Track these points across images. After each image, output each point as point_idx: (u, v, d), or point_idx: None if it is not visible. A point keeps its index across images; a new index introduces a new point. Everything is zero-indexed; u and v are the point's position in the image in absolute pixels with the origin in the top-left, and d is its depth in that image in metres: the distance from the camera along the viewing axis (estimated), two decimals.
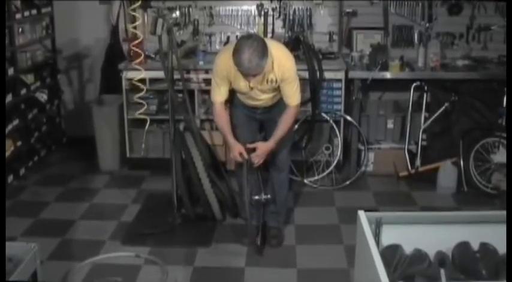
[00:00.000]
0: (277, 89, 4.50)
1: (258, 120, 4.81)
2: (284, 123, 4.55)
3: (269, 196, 4.79)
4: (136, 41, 5.64)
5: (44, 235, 4.99)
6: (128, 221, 5.32)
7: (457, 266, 2.85)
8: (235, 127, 4.75)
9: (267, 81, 4.37)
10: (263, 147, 4.58)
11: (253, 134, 4.82)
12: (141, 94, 5.60)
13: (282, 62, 4.34)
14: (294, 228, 5.20)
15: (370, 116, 6.38)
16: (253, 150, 4.62)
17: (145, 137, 6.00)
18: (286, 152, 4.88)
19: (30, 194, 5.89)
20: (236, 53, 4.06)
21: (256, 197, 4.76)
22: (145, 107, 5.76)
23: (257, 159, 4.59)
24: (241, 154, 4.59)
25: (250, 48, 4.02)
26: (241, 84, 4.42)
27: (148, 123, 5.65)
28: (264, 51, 4.07)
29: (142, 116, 5.67)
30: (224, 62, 4.37)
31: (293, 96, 4.48)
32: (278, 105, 4.61)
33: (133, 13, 5.62)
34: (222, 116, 4.63)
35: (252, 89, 4.41)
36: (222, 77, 4.45)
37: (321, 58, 6.09)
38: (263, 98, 4.58)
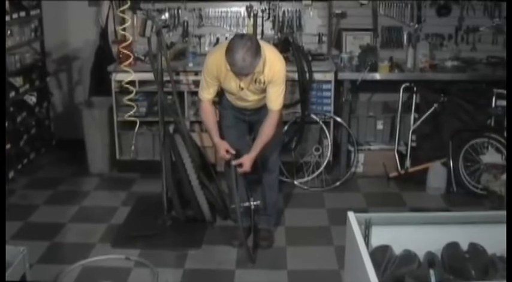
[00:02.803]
0: (266, 90, 4.51)
1: (247, 122, 4.81)
2: (266, 130, 4.53)
3: (258, 202, 4.77)
4: (125, 43, 5.63)
5: (33, 238, 4.97)
6: (117, 224, 5.30)
7: (447, 267, 2.87)
8: (224, 128, 4.77)
9: (256, 81, 4.37)
10: (247, 160, 4.56)
11: (242, 135, 4.84)
12: (131, 96, 5.59)
13: (273, 64, 4.34)
14: (284, 229, 5.20)
15: (360, 117, 6.40)
16: (238, 156, 4.62)
17: (135, 139, 5.99)
18: (276, 154, 4.90)
19: (19, 197, 5.86)
20: (229, 52, 4.06)
21: (246, 204, 4.75)
22: (135, 109, 5.74)
23: (244, 169, 4.58)
24: (227, 151, 4.58)
25: (244, 47, 4.02)
26: (232, 84, 4.42)
27: (138, 125, 5.63)
28: (257, 50, 4.09)
29: (131, 118, 5.66)
30: (215, 61, 4.37)
31: (276, 100, 4.47)
32: (266, 107, 4.62)
33: (122, 15, 5.61)
34: (208, 113, 4.64)
35: (242, 89, 4.41)
36: (212, 76, 4.45)
37: (311, 59, 6.09)
38: (252, 100, 4.58)
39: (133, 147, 6.01)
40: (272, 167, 4.91)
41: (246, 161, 4.55)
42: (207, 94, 4.58)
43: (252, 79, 4.33)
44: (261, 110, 4.65)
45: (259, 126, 4.69)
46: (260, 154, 4.66)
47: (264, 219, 5.04)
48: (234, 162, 4.58)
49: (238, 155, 4.62)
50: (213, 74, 4.44)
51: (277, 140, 4.84)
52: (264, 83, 4.38)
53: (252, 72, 4.18)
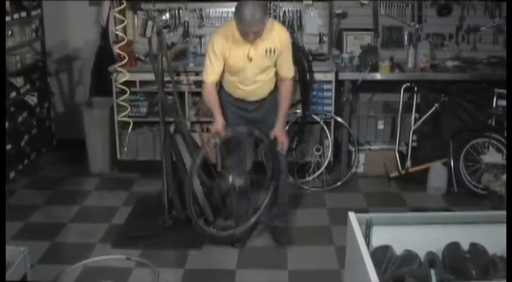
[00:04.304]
0: (272, 67, 4.59)
1: (249, 121, 4.80)
2: (285, 99, 4.72)
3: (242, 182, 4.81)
4: (121, 44, 5.61)
5: (34, 238, 4.97)
6: (118, 224, 5.31)
7: (447, 267, 2.86)
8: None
9: (266, 52, 4.42)
10: (278, 132, 4.69)
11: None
12: (124, 97, 5.58)
13: (279, 32, 4.50)
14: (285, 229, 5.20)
15: (361, 117, 6.40)
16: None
17: (136, 139, 6.02)
18: (285, 154, 4.91)
19: (20, 197, 5.87)
20: (239, 9, 4.21)
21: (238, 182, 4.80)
22: (129, 109, 5.73)
23: (282, 144, 4.71)
24: (218, 132, 4.56)
25: (252, 3, 4.15)
26: (240, 56, 4.44)
27: (131, 126, 5.63)
28: (265, 8, 4.25)
29: (125, 119, 5.65)
30: (223, 32, 4.50)
31: (290, 67, 4.71)
32: (269, 101, 4.69)
33: (119, 16, 5.61)
34: (212, 95, 4.67)
35: (250, 60, 4.43)
36: (218, 52, 4.47)
37: (311, 59, 6.09)
38: (258, 80, 4.60)
39: (126, 149, 6.01)
40: (280, 166, 4.89)
41: (278, 133, 4.69)
42: (211, 75, 4.58)
43: (263, 47, 4.40)
44: (264, 104, 4.70)
45: (262, 126, 4.72)
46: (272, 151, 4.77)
47: (280, 218, 5.05)
48: (271, 135, 4.69)
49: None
50: (218, 48, 4.47)
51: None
52: (275, 52, 4.46)
53: (260, 32, 4.26)
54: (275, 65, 4.65)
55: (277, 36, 4.46)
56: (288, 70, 4.69)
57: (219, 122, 4.58)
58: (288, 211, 5.16)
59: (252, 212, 4.93)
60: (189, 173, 4.67)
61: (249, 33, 4.25)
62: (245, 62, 4.47)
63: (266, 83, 4.68)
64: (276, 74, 4.73)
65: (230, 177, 4.78)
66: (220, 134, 4.58)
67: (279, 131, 4.70)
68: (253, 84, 4.64)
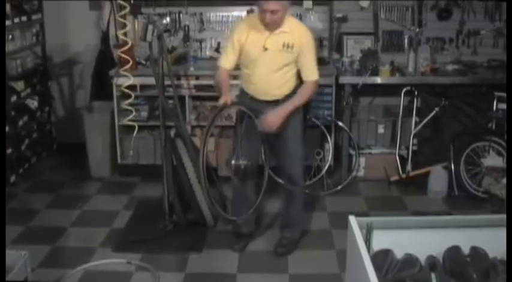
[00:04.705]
0: (291, 67, 4.46)
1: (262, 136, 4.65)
2: (299, 95, 4.49)
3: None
4: (124, 48, 5.62)
5: (35, 242, 4.97)
6: (119, 228, 5.31)
7: (448, 270, 2.86)
8: (239, 141, 4.65)
9: (284, 46, 4.35)
10: (273, 113, 4.42)
11: (256, 149, 4.77)
12: (129, 101, 5.58)
13: (300, 29, 4.43)
14: None
15: (361, 121, 6.41)
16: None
17: (137, 143, 6.01)
18: (300, 166, 4.80)
19: (20, 201, 5.87)
20: None
21: (236, 162, 4.61)
22: (133, 113, 5.71)
23: (265, 121, 4.42)
24: (225, 104, 4.39)
25: None
26: (256, 42, 4.39)
27: (136, 130, 5.63)
28: None
29: (130, 123, 5.65)
30: (245, 21, 4.57)
31: (312, 68, 4.50)
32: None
33: (122, 20, 5.60)
34: (223, 75, 4.54)
35: (265, 49, 4.37)
36: (236, 38, 4.43)
37: None
38: (273, 78, 4.47)
39: (131, 152, 6.01)
40: (297, 179, 4.79)
41: (272, 115, 4.41)
42: (225, 61, 4.53)
43: (281, 40, 4.34)
44: (278, 104, 4.51)
45: (275, 144, 4.64)
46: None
47: (287, 230, 4.98)
48: (262, 118, 4.43)
49: (248, 171, 4.63)
50: (239, 32, 4.44)
51: (301, 151, 4.76)
52: (293, 47, 4.36)
53: (278, 15, 4.21)
54: (296, 66, 4.50)
55: (298, 32, 4.38)
56: (309, 72, 4.49)
57: (227, 96, 4.42)
58: (298, 223, 5.01)
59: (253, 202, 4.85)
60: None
61: (267, 11, 4.18)
62: (260, 51, 4.38)
63: (282, 84, 4.51)
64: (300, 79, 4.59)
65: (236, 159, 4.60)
66: (227, 105, 4.42)
67: (274, 113, 4.41)
68: (267, 81, 4.49)
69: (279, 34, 4.35)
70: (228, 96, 4.39)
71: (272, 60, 4.42)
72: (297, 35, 4.37)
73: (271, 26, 4.31)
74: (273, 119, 4.40)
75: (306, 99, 4.58)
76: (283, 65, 4.44)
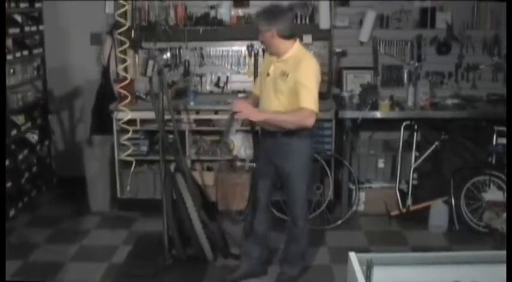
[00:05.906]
0: (287, 98, 4.34)
1: (269, 159, 4.60)
2: (288, 114, 4.30)
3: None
4: (124, 83, 5.63)
5: (34, 278, 4.94)
6: (118, 263, 5.28)
7: None
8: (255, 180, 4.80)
9: (281, 74, 4.34)
10: (249, 108, 4.35)
11: (267, 183, 4.76)
12: (129, 135, 5.58)
13: (300, 56, 4.36)
14: None
15: (361, 156, 6.41)
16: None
17: (136, 177, 6.01)
18: (302, 206, 4.75)
19: (19, 236, 5.84)
20: None
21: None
22: (131, 148, 5.72)
23: (236, 106, 4.37)
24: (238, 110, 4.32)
25: (272, 4, 4.41)
26: (265, 68, 4.55)
27: (134, 165, 5.62)
28: (276, 18, 4.29)
29: (128, 158, 5.65)
30: (268, 56, 4.61)
31: (306, 96, 4.25)
32: (284, 146, 4.46)
33: (122, 55, 5.63)
34: (251, 98, 4.82)
35: (268, 75, 4.44)
36: (261, 67, 4.85)
37: None
38: (272, 104, 4.40)
39: (129, 188, 6.01)
40: (297, 218, 4.72)
41: (247, 107, 4.35)
42: (255, 87, 4.86)
43: (280, 70, 4.35)
44: (280, 148, 4.47)
45: (282, 177, 4.64)
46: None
47: (286, 265, 4.92)
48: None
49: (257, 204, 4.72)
50: (265, 58, 4.75)
51: (303, 190, 4.68)
52: (288, 75, 4.28)
53: (265, 37, 4.32)
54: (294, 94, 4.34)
55: (295, 61, 4.29)
56: (303, 99, 4.22)
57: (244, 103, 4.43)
58: (298, 261, 4.92)
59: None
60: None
61: (259, 31, 4.36)
62: (265, 76, 4.49)
63: (281, 105, 4.37)
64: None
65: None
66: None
67: (250, 108, 4.35)
68: (266, 109, 4.44)
69: (281, 62, 4.39)
70: (245, 102, 4.51)
71: (271, 86, 4.43)
72: (293, 63, 4.30)
73: (268, 49, 4.49)
74: (246, 109, 4.31)
75: (294, 125, 4.31)
76: (279, 92, 4.36)
